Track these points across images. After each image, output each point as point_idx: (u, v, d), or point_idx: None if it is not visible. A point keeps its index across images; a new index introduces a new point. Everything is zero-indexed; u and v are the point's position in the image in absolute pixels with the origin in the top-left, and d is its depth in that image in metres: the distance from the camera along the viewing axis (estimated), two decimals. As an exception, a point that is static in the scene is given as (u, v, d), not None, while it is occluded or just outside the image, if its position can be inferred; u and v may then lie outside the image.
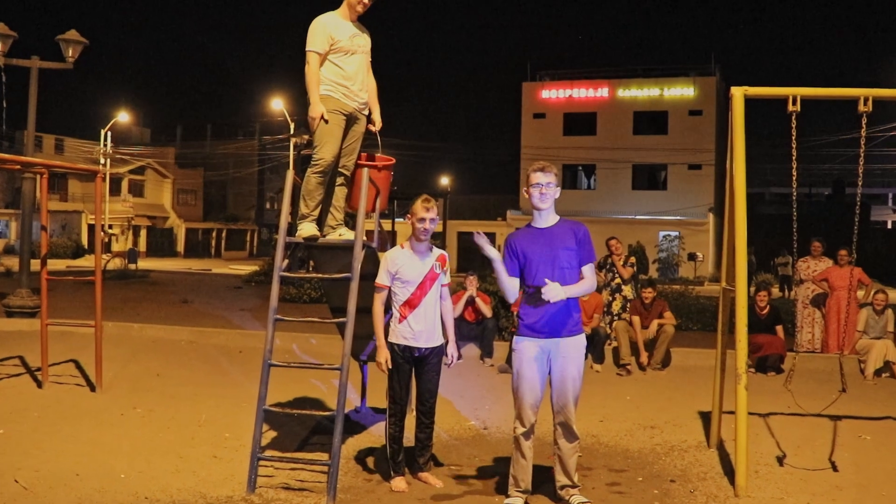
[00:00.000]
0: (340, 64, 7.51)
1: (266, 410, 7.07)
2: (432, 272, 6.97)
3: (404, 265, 6.93)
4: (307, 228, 7.50)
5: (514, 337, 6.51)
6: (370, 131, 7.84)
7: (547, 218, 6.45)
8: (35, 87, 16.78)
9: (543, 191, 6.35)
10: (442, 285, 7.09)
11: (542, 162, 6.57)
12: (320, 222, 7.67)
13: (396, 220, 34.64)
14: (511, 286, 6.44)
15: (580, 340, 6.43)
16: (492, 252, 6.41)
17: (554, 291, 6.11)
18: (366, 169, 7.47)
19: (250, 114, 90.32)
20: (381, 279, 6.98)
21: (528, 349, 6.35)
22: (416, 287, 6.91)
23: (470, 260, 53.09)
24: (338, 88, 7.47)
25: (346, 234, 7.64)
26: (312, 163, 7.45)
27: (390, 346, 6.93)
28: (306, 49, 7.45)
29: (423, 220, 6.87)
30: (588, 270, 6.41)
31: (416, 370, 7.03)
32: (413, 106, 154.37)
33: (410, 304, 6.91)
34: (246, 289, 29.50)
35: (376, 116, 7.87)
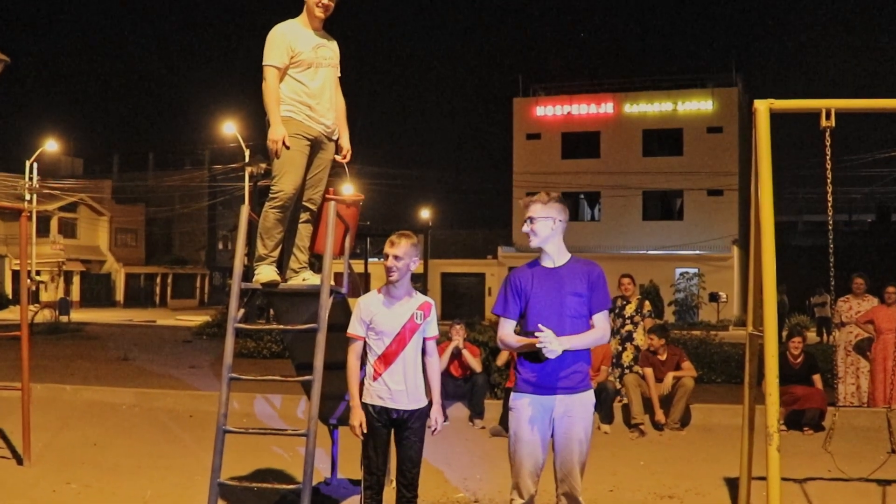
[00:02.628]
0: (303, 80, 7.50)
1: (221, 484, 7.04)
2: (412, 322, 6.83)
3: (379, 313, 6.81)
4: (266, 272, 7.48)
5: (511, 393, 6.45)
6: (337, 161, 7.83)
7: (554, 256, 6.40)
8: (-52, 113, 16.78)
9: (533, 227, 6.34)
10: (426, 338, 6.95)
11: (543, 193, 6.49)
12: (281, 265, 7.65)
13: (370, 260, 34.60)
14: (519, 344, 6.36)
15: (588, 398, 6.36)
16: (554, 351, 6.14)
17: (550, 341, 5.99)
18: (332, 203, 7.44)
19: (199, 140, 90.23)
20: (354, 329, 6.87)
21: (526, 407, 6.28)
22: (393, 339, 6.79)
23: (456, 305, 53.25)
24: (301, 109, 7.47)
25: (310, 278, 7.62)
26: (271, 196, 7.42)
27: (364, 406, 6.82)
28: (263, 63, 7.43)
29: (385, 255, 6.74)
30: (600, 319, 6.34)
31: (395, 435, 6.95)
32: (386, 127, 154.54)
33: (386, 359, 6.78)
34: (196, 343, 29.39)
35: (345, 143, 7.85)
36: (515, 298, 6.38)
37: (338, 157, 7.82)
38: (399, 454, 6.95)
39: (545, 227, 6.32)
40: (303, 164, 7.45)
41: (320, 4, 7.52)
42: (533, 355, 6.19)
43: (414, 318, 6.84)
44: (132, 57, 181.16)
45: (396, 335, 6.79)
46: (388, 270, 6.74)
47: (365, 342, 6.87)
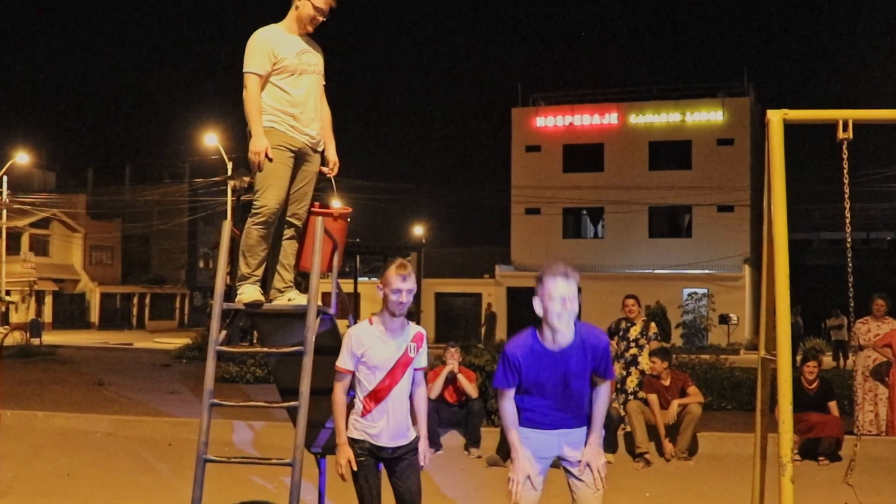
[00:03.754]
0: (286, 88, 7.44)
1: (200, 518, 7.01)
2: (405, 356, 6.72)
3: (372, 347, 6.67)
4: (249, 292, 7.44)
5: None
6: (323, 175, 7.79)
7: (560, 338, 6.15)
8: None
9: (572, 306, 6.01)
10: (416, 369, 6.85)
11: (559, 264, 6.11)
12: (265, 284, 7.62)
13: (360, 279, 34.53)
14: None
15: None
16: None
17: (595, 479, 6.51)
18: (320, 218, 7.39)
19: (178, 152, 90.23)
20: (344, 362, 6.73)
21: (527, 439, 6.28)
22: (386, 375, 6.67)
23: (450, 328, 53.17)
24: (284, 119, 7.41)
25: (296, 298, 7.58)
26: (254, 211, 7.37)
27: (351, 442, 6.71)
28: (244, 70, 7.38)
29: (398, 291, 6.54)
30: (605, 388, 6.38)
31: (388, 472, 6.86)
32: (377, 138, 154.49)
33: (377, 395, 6.68)
34: (176, 367, 29.39)
35: (331, 154, 7.81)
36: (515, 374, 6.21)
37: (325, 170, 7.77)
38: (397, 489, 6.86)
39: (576, 303, 6.04)
40: (287, 177, 7.40)
41: (315, 21, 7.51)
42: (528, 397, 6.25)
43: (408, 351, 6.74)
44: (108, 64, 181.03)
45: (390, 371, 6.68)
46: (399, 306, 6.59)
47: (354, 375, 6.78)
